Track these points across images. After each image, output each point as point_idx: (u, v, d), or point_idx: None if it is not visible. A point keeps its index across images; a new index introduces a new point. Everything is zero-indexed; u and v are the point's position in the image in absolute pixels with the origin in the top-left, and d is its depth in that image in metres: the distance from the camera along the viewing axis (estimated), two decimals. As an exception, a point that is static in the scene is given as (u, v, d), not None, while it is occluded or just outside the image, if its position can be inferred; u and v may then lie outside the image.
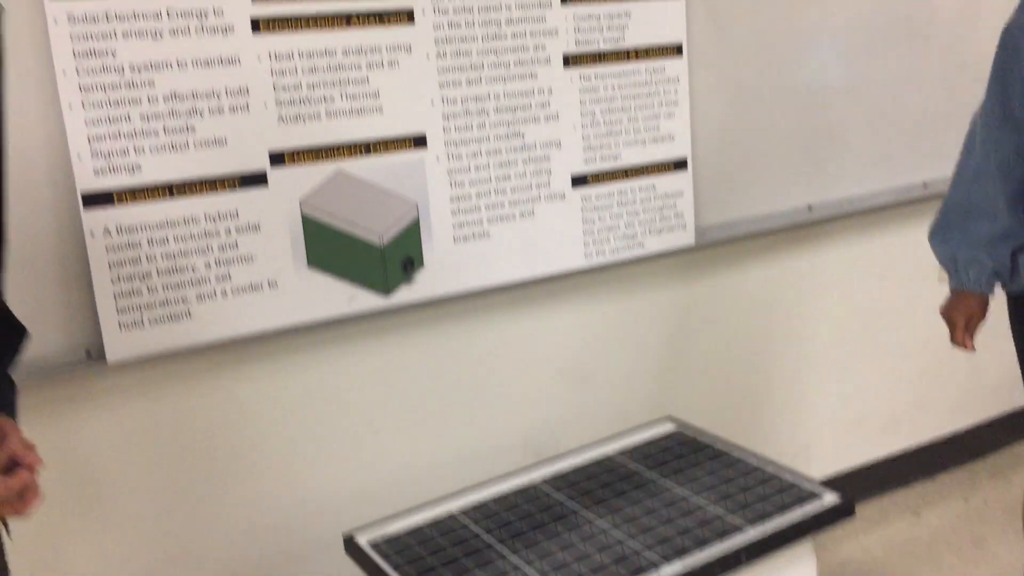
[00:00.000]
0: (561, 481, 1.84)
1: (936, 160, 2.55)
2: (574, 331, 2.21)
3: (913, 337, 2.74)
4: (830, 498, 1.69)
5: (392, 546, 1.67)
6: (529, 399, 2.19)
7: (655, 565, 1.53)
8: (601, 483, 1.82)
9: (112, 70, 1.60)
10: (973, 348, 1.81)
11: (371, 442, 2.02)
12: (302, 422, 1.94)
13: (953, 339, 1.81)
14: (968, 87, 2.58)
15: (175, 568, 1.88)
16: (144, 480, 1.81)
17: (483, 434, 2.14)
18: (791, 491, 1.72)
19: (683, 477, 1.80)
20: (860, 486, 2.73)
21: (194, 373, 1.82)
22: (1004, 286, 1.79)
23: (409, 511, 1.77)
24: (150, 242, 1.68)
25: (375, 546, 1.68)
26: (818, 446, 2.66)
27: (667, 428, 2.01)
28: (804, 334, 2.57)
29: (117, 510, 1.79)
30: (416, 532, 1.71)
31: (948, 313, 1.80)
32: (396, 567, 1.61)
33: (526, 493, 1.81)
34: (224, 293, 1.75)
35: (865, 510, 2.70)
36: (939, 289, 2.76)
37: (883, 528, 2.63)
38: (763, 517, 1.64)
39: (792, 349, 2.56)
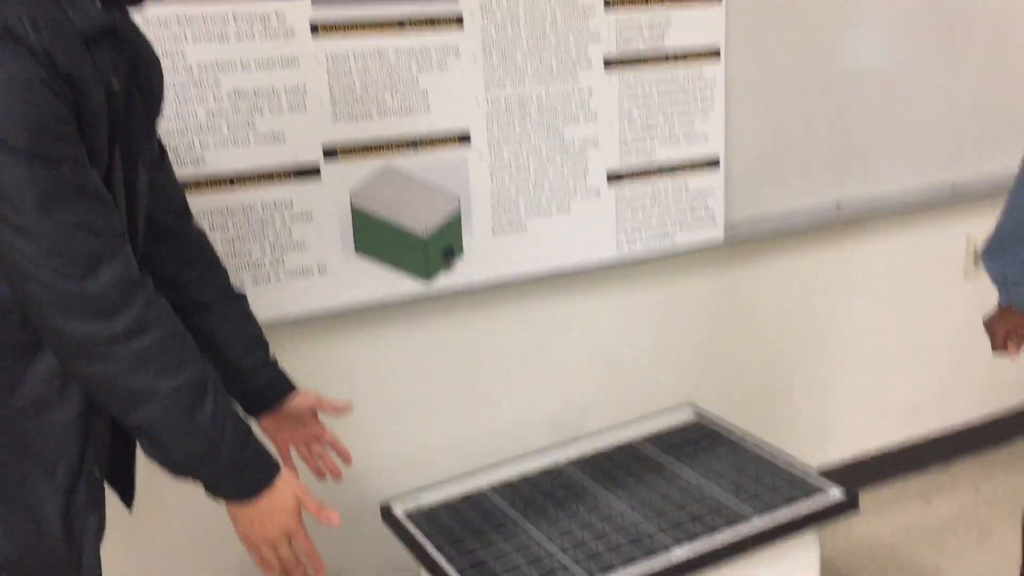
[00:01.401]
0: (584, 463, 1.97)
1: (966, 161, 2.61)
2: (605, 320, 2.32)
3: (937, 331, 2.82)
4: (835, 493, 1.80)
5: (425, 517, 1.82)
6: (559, 381, 2.31)
7: (667, 547, 1.66)
8: (621, 466, 1.94)
9: (181, 70, 1.72)
10: (1015, 354, 1.90)
11: (410, 417, 2.16)
12: (347, 396, 2.08)
13: (993, 348, 1.91)
14: (1002, 87, 2.63)
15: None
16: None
17: (514, 413, 2.27)
18: (799, 484, 1.84)
19: (699, 465, 1.93)
20: (875, 472, 2.84)
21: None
22: None
23: (442, 483, 1.91)
24: (211, 228, 1.81)
25: (410, 516, 1.83)
26: (837, 432, 2.76)
27: (687, 416, 2.13)
28: (829, 327, 2.66)
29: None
30: (447, 505, 1.86)
31: (991, 326, 1.89)
32: (424, 533, 1.76)
33: (550, 472, 1.95)
34: (278, 277, 1.89)
35: (878, 495, 2.81)
36: (965, 286, 2.84)
37: (894, 513, 2.74)
38: (771, 507, 1.76)
39: (817, 341, 2.66)
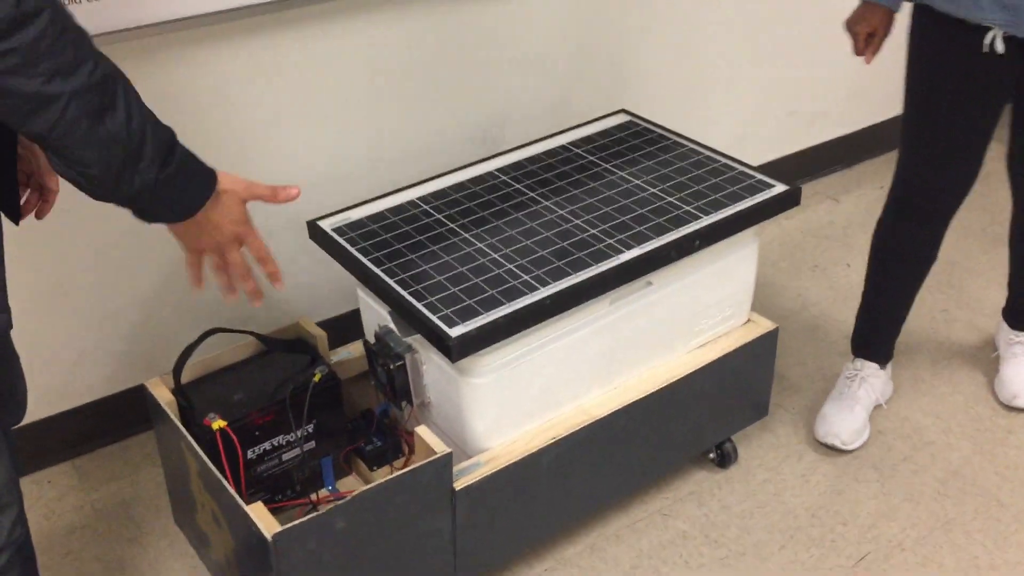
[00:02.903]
0: (517, 171, 1.86)
1: None
2: (531, 21, 2.14)
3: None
4: (779, 188, 1.77)
5: (356, 232, 1.70)
6: (485, 90, 2.16)
7: (617, 250, 1.61)
8: (557, 173, 1.85)
9: None
10: (870, 60, 1.83)
11: (327, 133, 1.99)
12: (255, 111, 1.88)
13: (855, 50, 1.83)
14: None
15: (135, 249, 1.89)
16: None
17: (439, 126, 2.12)
18: (742, 182, 1.79)
19: (639, 169, 1.85)
20: (787, 174, 2.85)
21: (128, 56, 1.71)
22: None
23: (368, 201, 1.78)
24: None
25: (338, 230, 1.70)
26: (752, 137, 2.73)
27: (621, 120, 2.02)
28: (746, 27, 2.55)
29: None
30: (376, 217, 1.74)
31: (852, 26, 1.81)
32: (359, 248, 1.65)
33: (483, 181, 1.84)
34: (163, -35, 1.62)
35: (788, 197, 2.85)
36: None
37: (804, 212, 2.79)
38: (717, 206, 1.71)
39: (738, 44, 2.55)
